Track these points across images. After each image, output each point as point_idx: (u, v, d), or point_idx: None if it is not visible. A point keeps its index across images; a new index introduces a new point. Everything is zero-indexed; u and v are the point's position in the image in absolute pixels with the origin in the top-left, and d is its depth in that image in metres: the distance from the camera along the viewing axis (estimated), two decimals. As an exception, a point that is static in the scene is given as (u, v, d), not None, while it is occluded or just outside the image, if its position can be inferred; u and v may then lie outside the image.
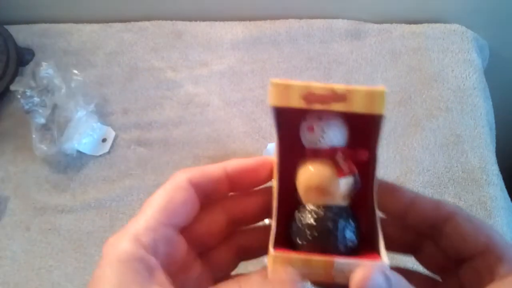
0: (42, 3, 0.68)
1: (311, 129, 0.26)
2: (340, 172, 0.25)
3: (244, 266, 0.29)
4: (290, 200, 0.27)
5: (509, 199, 0.56)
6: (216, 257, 0.28)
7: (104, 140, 0.59)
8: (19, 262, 0.53)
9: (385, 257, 0.23)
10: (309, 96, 0.24)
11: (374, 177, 0.26)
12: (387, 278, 0.22)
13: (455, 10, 0.66)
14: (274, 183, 0.27)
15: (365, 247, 0.26)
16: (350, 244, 0.25)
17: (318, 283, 0.25)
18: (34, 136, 0.57)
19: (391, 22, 0.66)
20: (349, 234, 0.25)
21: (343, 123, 0.27)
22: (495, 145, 0.60)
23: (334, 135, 0.26)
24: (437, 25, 0.65)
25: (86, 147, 0.59)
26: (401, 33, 0.65)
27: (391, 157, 0.57)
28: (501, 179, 0.56)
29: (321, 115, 0.26)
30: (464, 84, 0.61)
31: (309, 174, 0.26)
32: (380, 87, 0.24)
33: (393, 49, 0.64)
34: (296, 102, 0.24)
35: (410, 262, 0.29)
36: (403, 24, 0.66)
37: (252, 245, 0.28)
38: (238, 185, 0.27)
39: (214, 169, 0.27)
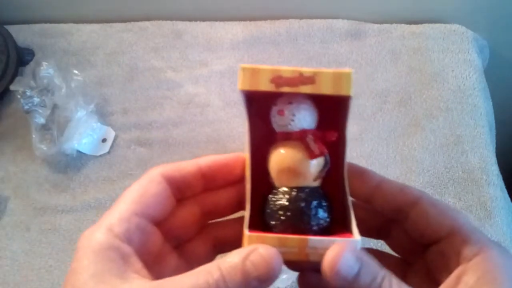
0: (42, 3, 0.68)
1: (281, 112, 0.27)
2: (311, 154, 0.26)
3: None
4: (263, 186, 0.27)
5: (509, 199, 0.56)
6: (192, 249, 0.28)
7: (104, 140, 0.59)
8: (19, 262, 0.53)
9: (357, 234, 0.24)
10: (277, 80, 0.25)
11: (344, 157, 0.27)
12: (358, 258, 0.22)
13: (455, 10, 0.66)
14: (247, 170, 0.27)
15: (337, 227, 0.27)
16: (322, 222, 0.26)
17: (292, 263, 0.25)
18: (34, 136, 0.57)
19: (391, 22, 0.66)
20: (322, 213, 0.26)
21: (313, 106, 0.27)
22: (495, 145, 0.60)
23: (304, 118, 0.27)
24: (437, 25, 0.65)
25: (86, 147, 0.59)
26: (401, 33, 0.65)
27: (391, 157, 0.57)
28: (501, 179, 0.56)
29: (291, 99, 0.27)
30: (464, 84, 0.61)
31: (281, 157, 0.27)
32: (346, 69, 0.25)
33: (393, 49, 0.64)
34: (265, 85, 0.25)
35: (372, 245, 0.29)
36: (403, 24, 0.66)
37: (227, 237, 0.29)
38: (212, 180, 0.28)
39: (188, 165, 0.27)
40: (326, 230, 0.26)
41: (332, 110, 0.28)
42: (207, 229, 0.29)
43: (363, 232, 0.24)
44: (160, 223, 0.26)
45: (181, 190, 0.27)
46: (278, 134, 0.27)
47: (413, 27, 0.65)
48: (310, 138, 0.26)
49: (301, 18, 0.67)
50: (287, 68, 0.25)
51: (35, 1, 0.68)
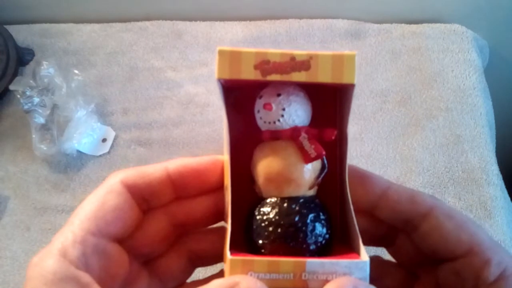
0: (42, 3, 0.68)
1: (268, 106, 0.22)
2: (305, 156, 0.22)
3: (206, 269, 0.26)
4: (247, 195, 0.23)
5: (509, 199, 0.56)
6: (165, 265, 0.25)
7: (104, 140, 0.59)
8: (19, 262, 0.53)
9: (365, 255, 0.20)
10: (264, 65, 0.20)
11: (345, 160, 0.23)
12: None
13: (455, 10, 0.66)
14: (226, 176, 0.23)
15: (337, 242, 0.23)
16: (321, 240, 0.22)
17: None
18: (34, 136, 0.57)
19: (391, 22, 0.66)
20: (320, 229, 0.22)
21: (306, 97, 0.23)
22: (495, 145, 0.60)
23: (296, 113, 0.22)
24: (437, 25, 0.65)
25: (86, 147, 0.59)
26: (401, 33, 0.65)
27: (391, 157, 0.57)
28: (501, 179, 0.56)
29: (280, 89, 0.22)
30: (464, 84, 0.61)
31: (268, 161, 0.22)
32: (348, 51, 0.21)
33: (393, 49, 0.64)
34: (248, 73, 0.20)
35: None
36: (403, 24, 0.66)
37: (205, 250, 0.25)
38: (183, 188, 0.24)
39: (154, 170, 0.23)
40: (326, 249, 0.22)
41: (329, 103, 0.24)
42: (181, 241, 0.25)
43: (363, 242, 0.21)
44: (124, 240, 0.23)
45: (147, 200, 0.23)
46: (264, 133, 0.23)
47: (413, 27, 0.65)
48: (304, 137, 0.22)
49: (301, 18, 0.67)
50: (275, 51, 0.20)
51: (35, 1, 0.68)
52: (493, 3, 0.65)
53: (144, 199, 0.23)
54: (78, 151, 0.58)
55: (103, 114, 0.61)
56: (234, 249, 0.20)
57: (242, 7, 0.68)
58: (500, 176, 0.56)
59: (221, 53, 0.21)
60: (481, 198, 0.53)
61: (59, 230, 0.22)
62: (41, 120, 0.58)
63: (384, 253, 0.26)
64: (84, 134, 0.58)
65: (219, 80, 0.21)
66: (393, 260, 0.26)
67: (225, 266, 0.20)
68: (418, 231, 0.23)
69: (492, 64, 0.69)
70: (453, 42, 0.64)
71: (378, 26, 0.66)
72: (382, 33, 0.65)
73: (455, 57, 0.63)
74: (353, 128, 0.58)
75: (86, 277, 0.20)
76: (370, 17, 0.66)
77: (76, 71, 0.61)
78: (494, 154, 0.58)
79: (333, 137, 0.22)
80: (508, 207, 0.55)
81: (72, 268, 0.20)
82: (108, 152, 0.59)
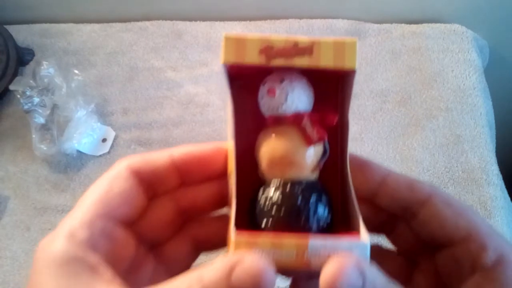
0: (42, 3, 0.68)
1: (271, 92, 0.23)
2: (308, 139, 0.22)
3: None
4: (251, 179, 0.23)
5: (509, 199, 0.56)
6: (170, 250, 0.25)
7: (104, 140, 0.59)
8: (19, 262, 0.53)
9: (365, 234, 0.21)
10: (268, 50, 0.21)
11: (346, 144, 0.23)
12: (362, 273, 0.18)
13: (455, 10, 0.66)
14: (230, 163, 0.23)
15: (338, 225, 0.23)
16: (323, 222, 0.22)
17: (288, 271, 0.21)
18: (34, 136, 0.57)
19: (391, 22, 0.66)
20: (322, 211, 0.22)
21: (308, 84, 0.23)
22: (495, 145, 0.60)
23: (299, 98, 0.23)
24: (437, 25, 0.65)
25: (86, 147, 0.59)
26: (401, 33, 0.65)
27: (391, 157, 0.57)
28: (501, 179, 0.56)
29: (283, 76, 0.23)
30: (464, 84, 0.61)
31: (272, 144, 0.23)
32: (350, 38, 0.22)
33: (393, 49, 0.64)
34: (253, 57, 0.21)
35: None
36: (403, 24, 0.66)
37: (209, 235, 0.25)
38: (188, 175, 0.24)
39: (159, 156, 0.24)
40: (327, 231, 0.22)
41: (331, 92, 0.24)
42: (186, 227, 0.25)
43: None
44: (130, 224, 0.23)
45: (152, 186, 0.24)
46: (268, 118, 0.23)
47: (413, 27, 0.65)
48: (306, 122, 0.22)
49: (301, 18, 0.67)
50: (280, 38, 0.21)
51: (35, 1, 0.68)
52: (493, 3, 0.65)
53: (150, 185, 0.23)
54: (78, 151, 0.58)
55: (103, 114, 0.61)
56: (238, 230, 0.21)
57: (242, 7, 0.68)
58: (500, 176, 0.56)
59: (227, 39, 0.21)
60: (481, 198, 0.53)
61: (67, 214, 0.22)
62: (41, 120, 0.58)
63: (383, 242, 0.27)
64: (84, 134, 0.58)
65: (224, 65, 0.22)
66: (392, 248, 0.26)
67: (229, 246, 0.20)
68: (417, 218, 0.23)
69: (492, 64, 0.69)
70: (453, 42, 0.64)
71: (378, 26, 0.66)
72: (382, 33, 0.65)
73: (455, 57, 0.63)
74: (353, 128, 0.58)
75: (94, 257, 0.20)
76: (370, 17, 0.66)
77: (76, 71, 0.61)
78: (494, 154, 0.58)
79: (334, 122, 0.23)
80: (508, 207, 0.55)
81: (80, 249, 0.20)
82: (108, 152, 0.59)
